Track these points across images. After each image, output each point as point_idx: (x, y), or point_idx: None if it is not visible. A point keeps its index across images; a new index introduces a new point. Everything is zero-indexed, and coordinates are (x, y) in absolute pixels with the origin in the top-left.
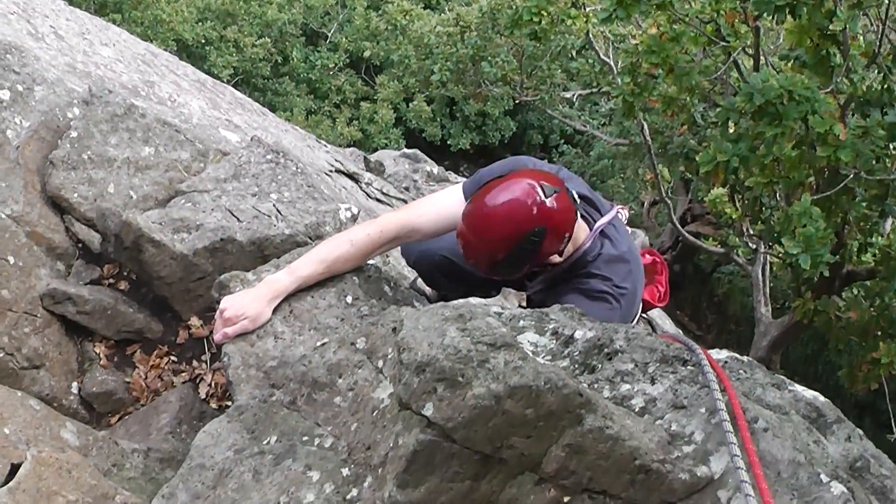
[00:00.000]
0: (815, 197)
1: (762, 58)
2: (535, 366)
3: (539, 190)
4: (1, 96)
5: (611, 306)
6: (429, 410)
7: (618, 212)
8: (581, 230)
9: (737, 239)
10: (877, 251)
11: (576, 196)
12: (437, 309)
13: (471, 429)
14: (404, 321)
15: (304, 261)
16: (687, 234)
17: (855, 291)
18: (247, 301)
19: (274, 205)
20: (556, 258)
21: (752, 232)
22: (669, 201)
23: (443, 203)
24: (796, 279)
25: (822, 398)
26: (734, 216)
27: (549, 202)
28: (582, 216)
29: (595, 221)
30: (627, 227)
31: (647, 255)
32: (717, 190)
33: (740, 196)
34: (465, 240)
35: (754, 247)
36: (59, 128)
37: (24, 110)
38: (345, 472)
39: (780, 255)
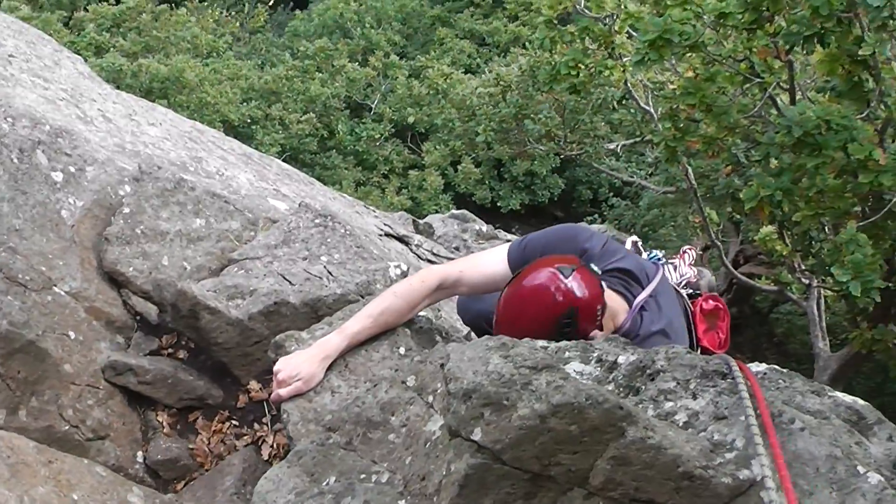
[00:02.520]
0: (861, 224)
1: (798, 92)
2: (575, 384)
3: (559, 273)
4: (54, 178)
5: None
6: (477, 435)
7: (663, 272)
8: (619, 309)
9: (789, 276)
10: None
11: (596, 269)
12: (482, 341)
13: (519, 449)
14: (450, 355)
15: (353, 319)
16: (740, 276)
17: None
18: (299, 362)
19: (325, 266)
20: (598, 334)
21: (803, 267)
22: (720, 244)
23: (486, 262)
24: (851, 310)
25: (861, 402)
26: (785, 253)
27: (569, 282)
28: (621, 293)
29: (635, 297)
30: (692, 269)
31: (711, 301)
32: (767, 228)
33: (789, 232)
34: (503, 327)
35: (807, 282)
36: (112, 205)
37: (77, 190)
38: (402, 503)
39: (833, 286)
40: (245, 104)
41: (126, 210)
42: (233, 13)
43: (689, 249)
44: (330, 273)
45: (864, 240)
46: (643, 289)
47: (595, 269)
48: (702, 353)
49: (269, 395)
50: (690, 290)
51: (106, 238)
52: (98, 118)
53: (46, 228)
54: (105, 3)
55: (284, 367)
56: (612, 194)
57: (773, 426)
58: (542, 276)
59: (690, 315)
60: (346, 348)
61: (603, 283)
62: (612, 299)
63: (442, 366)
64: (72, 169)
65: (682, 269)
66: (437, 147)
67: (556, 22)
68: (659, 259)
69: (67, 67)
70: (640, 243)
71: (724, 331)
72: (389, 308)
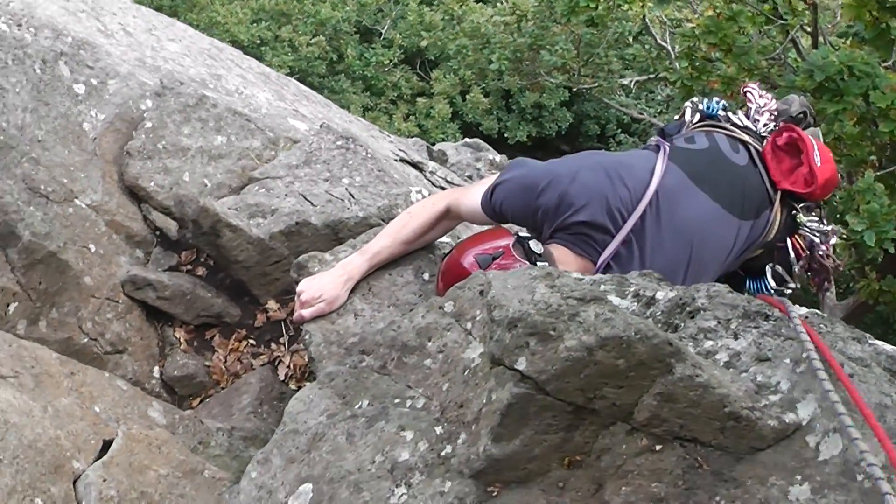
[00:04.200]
0: (879, 173)
1: (820, 36)
2: (624, 317)
3: (477, 265)
4: (77, 90)
5: None
6: (522, 364)
7: (662, 172)
8: (580, 270)
9: None
10: None
11: (534, 248)
12: (525, 270)
13: (563, 380)
14: (492, 282)
15: (374, 239)
16: None
17: None
18: (323, 283)
19: (346, 189)
20: None
21: None
22: None
23: (472, 196)
24: (860, 259)
25: None
26: None
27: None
28: (580, 253)
29: (602, 251)
30: (765, 100)
31: (784, 134)
32: None
33: None
34: (441, 287)
35: None
36: (134, 119)
37: (99, 103)
38: (438, 430)
39: (844, 234)
40: (255, 24)
41: (148, 125)
42: None
43: (749, 85)
44: (352, 195)
45: (881, 189)
46: (614, 235)
47: (533, 247)
48: (783, 197)
49: (288, 315)
50: (773, 125)
51: (128, 152)
52: (118, 32)
53: (68, 140)
54: None
55: (308, 287)
56: (619, 130)
57: (844, 375)
58: (467, 262)
59: (759, 159)
60: (369, 269)
61: (538, 260)
62: (566, 264)
63: (481, 293)
64: (94, 81)
65: (755, 103)
66: (447, 76)
67: None
68: (715, 110)
69: None
70: (724, 104)
71: (809, 163)
72: (406, 227)
